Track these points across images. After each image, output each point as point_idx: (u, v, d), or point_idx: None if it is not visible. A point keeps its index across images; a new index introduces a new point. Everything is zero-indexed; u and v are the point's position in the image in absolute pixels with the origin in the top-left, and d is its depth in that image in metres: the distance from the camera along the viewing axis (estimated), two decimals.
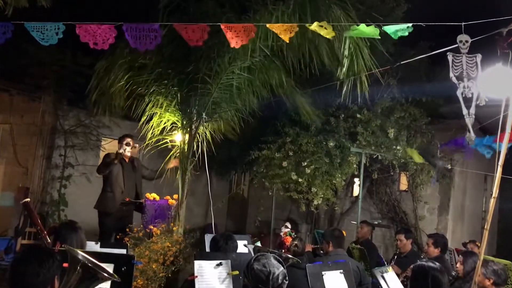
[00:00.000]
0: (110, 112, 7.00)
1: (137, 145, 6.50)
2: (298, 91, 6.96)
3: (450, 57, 3.39)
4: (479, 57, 3.39)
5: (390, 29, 3.66)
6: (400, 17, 8.42)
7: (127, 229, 5.70)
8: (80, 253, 2.07)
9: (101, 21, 3.76)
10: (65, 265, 2.16)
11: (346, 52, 5.08)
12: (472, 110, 3.43)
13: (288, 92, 6.69)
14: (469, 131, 3.46)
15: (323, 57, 5.47)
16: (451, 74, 3.36)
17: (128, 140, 6.22)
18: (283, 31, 3.76)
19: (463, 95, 3.42)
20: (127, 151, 6.22)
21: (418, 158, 7.81)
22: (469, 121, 3.44)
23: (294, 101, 6.99)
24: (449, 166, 8.64)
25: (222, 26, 3.97)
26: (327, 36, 3.87)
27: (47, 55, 7.81)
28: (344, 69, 5.19)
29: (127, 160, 6.30)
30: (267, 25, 4.12)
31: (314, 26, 3.80)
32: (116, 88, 6.30)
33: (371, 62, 5.22)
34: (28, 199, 4.06)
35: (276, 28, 3.92)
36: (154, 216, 6.10)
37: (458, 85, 3.36)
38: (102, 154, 8.55)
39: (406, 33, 3.57)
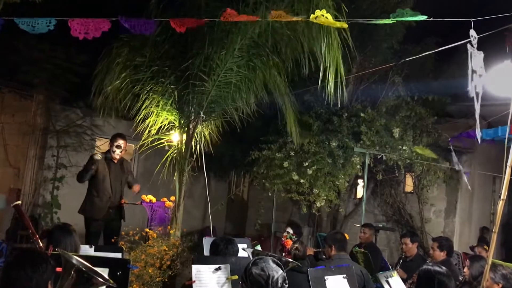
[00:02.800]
0: (105, 112, 7.00)
1: (132, 145, 6.46)
2: (293, 103, 6.94)
3: (470, 50, 3.28)
4: (481, 54, 3.37)
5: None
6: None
7: (123, 232, 5.72)
8: (74, 257, 2.08)
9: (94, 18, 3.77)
10: (59, 269, 2.18)
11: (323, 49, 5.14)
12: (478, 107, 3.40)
13: (282, 98, 6.69)
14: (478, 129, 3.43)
15: (317, 55, 5.48)
16: (471, 68, 3.23)
17: (120, 142, 6.00)
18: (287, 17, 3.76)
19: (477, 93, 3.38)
20: (116, 154, 6.02)
21: (430, 153, 7.82)
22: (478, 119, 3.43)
23: (284, 114, 6.98)
24: (456, 167, 8.64)
25: (223, 19, 3.99)
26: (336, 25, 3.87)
27: (39, 53, 7.82)
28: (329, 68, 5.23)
29: (115, 161, 6.12)
30: (269, 19, 4.13)
31: (315, 18, 3.80)
32: (112, 87, 6.30)
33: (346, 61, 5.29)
34: (19, 202, 4.06)
35: (277, 16, 3.91)
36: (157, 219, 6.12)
37: (472, 80, 3.26)
38: None
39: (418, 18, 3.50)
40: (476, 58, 3.23)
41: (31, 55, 7.82)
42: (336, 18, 4.63)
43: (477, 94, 3.24)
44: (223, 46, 5.81)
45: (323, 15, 3.58)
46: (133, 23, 3.74)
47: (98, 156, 5.91)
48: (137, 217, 7.52)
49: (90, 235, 5.88)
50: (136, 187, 6.19)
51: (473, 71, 3.22)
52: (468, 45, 3.28)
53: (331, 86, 5.27)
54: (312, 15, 3.77)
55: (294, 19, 3.81)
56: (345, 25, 3.99)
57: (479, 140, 3.49)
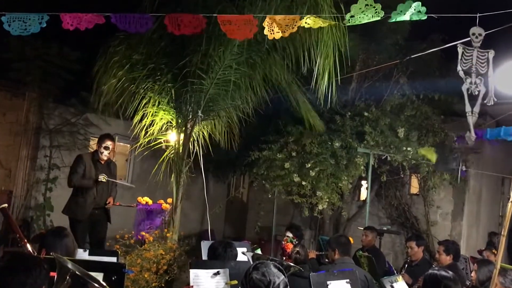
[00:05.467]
0: (99, 110, 7.00)
1: (128, 145, 6.46)
2: (303, 94, 6.96)
3: (460, 49, 3.42)
4: (491, 53, 3.41)
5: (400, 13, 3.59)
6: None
7: (118, 236, 5.72)
8: (70, 262, 2.09)
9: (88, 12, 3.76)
10: (53, 274, 2.18)
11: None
12: (477, 108, 3.47)
13: (290, 91, 6.71)
14: (470, 131, 3.51)
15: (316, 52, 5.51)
16: (459, 68, 3.41)
17: (108, 143, 6.02)
18: (284, 25, 3.75)
19: (469, 92, 3.46)
20: (104, 155, 6.03)
21: (432, 158, 7.83)
22: (471, 119, 3.49)
23: (298, 105, 7.01)
24: (463, 168, 8.65)
25: (219, 18, 3.98)
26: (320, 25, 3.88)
27: (31, 49, 7.82)
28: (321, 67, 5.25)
29: (103, 162, 6.12)
30: (268, 16, 4.13)
31: (313, 20, 3.81)
32: (108, 85, 6.30)
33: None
34: (5, 205, 4.05)
35: (277, 19, 3.92)
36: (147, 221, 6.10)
37: (465, 80, 3.40)
38: None
39: (421, 16, 3.45)
40: (469, 56, 3.27)
41: (23, 51, 7.82)
42: (334, 16, 4.65)
43: (471, 94, 3.30)
44: (221, 43, 5.81)
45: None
46: (127, 20, 3.72)
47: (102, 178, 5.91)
48: (132, 220, 7.53)
49: (76, 238, 5.87)
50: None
51: (465, 72, 3.32)
52: (458, 45, 3.36)
53: (323, 87, 5.30)
54: (304, 19, 3.78)
55: (287, 32, 3.79)
56: (332, 23, 3.97)
57: (472, 140, 3.56)
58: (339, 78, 5.41)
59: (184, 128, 6.37)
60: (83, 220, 5.92)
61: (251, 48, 6.01)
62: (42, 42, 7.80)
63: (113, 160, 6.48)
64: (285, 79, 6.47)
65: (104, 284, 2.19)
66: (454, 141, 8.21)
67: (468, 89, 3.44)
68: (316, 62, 5.53)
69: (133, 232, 6.09)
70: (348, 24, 3.57)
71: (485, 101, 3.46)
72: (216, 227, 10.47)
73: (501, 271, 3.71)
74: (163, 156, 6.60)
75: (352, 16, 3.48)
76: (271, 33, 3.76)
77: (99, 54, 6.38)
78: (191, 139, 6.38)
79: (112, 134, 6.58)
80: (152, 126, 6.60)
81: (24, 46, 7.71)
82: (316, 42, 5.34)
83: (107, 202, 6.08)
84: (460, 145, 8.00)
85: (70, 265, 2.06)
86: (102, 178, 5.86)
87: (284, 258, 5.61)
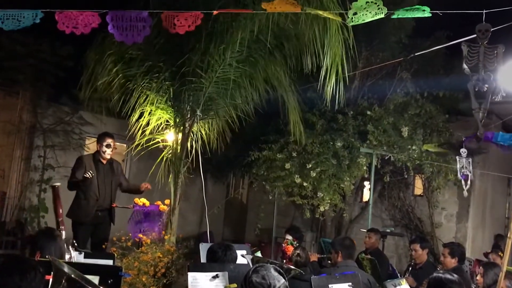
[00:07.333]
0: (94, 108, 6.99)
1: (124, 145, 6.46)
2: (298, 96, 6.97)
3: (465, 48, 3.44)
4: (501, 48, 3.41)
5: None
6: (415, 3, 8.43)
7: (114, 238, 5.73)
8: (66, 265, 2.10)
9: (83, 9, 3.76)
10: (48, 277, 2.19)
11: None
12: (485, 104, 3.49)
13: (284, 92, 6.72)
14: (479, 126, 3.54)
15: (317, 52, 5.51)
16: (464, 66, 3.43)
17: (109, 141, 5.96)
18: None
19: (476, 89, 3.47)
20: (107, 154, 5.98)
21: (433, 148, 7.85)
22: (479, 115, 3.51)
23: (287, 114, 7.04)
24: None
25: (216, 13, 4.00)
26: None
27: (23, 47, 7.82)
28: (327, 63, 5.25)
29: (104, 162, 6.06)
30: (267, 10, 4.13)
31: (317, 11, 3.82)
32: (102, 82, 6.30)
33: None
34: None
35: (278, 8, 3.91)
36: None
37: (471, 78, 3.42)
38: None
39: (425, 14, 3.43)
40: (475, 53, 3.30)
41: (14, 49, 7.81)
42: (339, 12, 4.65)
43: (478, 91, 3.32)
44: (222, 41, 5.81)
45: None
46: (124, 21, 3.73)
47: (88, 175, 5.83)
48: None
49: (77, 240, 5.88)
50: (145, 185, 6.12)
51: (471, 70, 3.34)
52: (463, 44, 3.39)
53: (331, 86, 5.30)
54: (309, 9, 3.78)
55: (292, 10, 3.81)
56: (339, 18, 4.00)
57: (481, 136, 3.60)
58: (347, 75, 5.43)
59: (182, 128, 6.36)
60: (86, 222, 5.92)
61: (253, 46, 6.02)
62: (33, 39, 7.80)
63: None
64: (281, 80, 6.47)
65: (100, 286, 2.20)
66: (463, 140, 8.21)
67: (475, 86, 3.46)
68: (319, 61, 5.55)
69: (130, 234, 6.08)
70: (351, 23, 3.56)
71: (493, 97, 3.47)
72: (215, 229, 10.49)
73: (507, 275, 3.72)
74: (161, 156, 6.60)
75: (355, 14, 3.47)
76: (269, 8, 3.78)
77: (92, 45, 6.33)
78: (190, 139, 6.39)
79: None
80: (149, 125, 6.59)
81: (14, 44, 7.71)
82: (321, 41, 5.34)
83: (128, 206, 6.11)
84: (468, 145, 8.01)
85: (66, 268, 2.06)
86: (88, 175, 5.77)
87: (284, 261, 5.62)
